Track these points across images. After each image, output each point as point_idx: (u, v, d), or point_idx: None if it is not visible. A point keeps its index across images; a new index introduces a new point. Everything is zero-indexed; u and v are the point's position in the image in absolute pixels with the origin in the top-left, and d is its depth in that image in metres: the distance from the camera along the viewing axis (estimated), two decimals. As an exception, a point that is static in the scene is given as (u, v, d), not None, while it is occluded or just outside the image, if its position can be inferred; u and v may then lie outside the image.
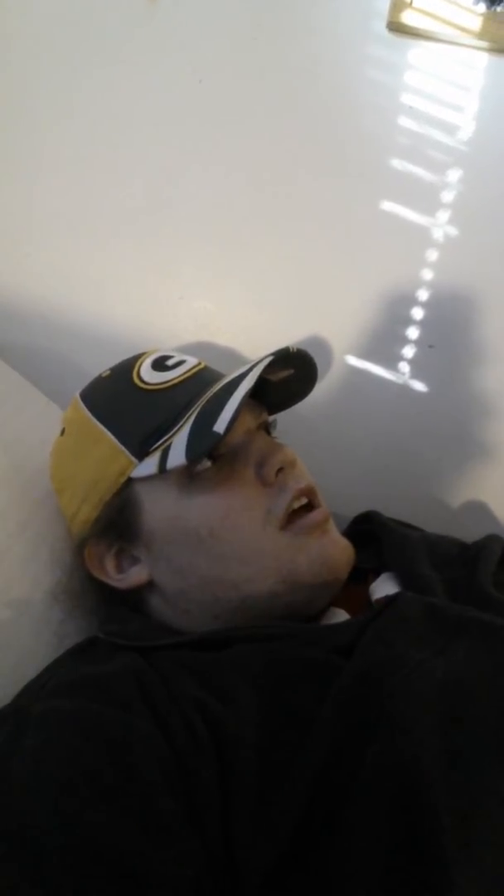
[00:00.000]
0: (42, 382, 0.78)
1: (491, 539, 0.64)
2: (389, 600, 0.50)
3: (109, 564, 0.57)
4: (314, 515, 0.54)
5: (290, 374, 0.59)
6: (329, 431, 0.85)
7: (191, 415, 0.52)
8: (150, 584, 0.56)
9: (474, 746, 0.41)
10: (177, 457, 0.50)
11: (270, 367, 0.54)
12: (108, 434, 0.55)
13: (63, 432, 0.61)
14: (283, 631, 0.50)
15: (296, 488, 0.54)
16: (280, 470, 0.55)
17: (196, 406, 0.52)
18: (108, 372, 0.60)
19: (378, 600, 0.55)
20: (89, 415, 0.57)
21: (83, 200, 0.83)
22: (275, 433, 0.61)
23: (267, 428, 0.60)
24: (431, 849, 0.36)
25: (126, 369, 0.58)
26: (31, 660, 0.54)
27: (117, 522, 0.55)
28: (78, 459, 0.58)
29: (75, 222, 0.83)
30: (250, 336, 0.83)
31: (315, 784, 0.39)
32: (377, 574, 0.59)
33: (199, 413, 0.51)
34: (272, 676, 0.45)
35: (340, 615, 0.56)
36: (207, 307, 0.83)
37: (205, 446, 0.49)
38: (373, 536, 0.63)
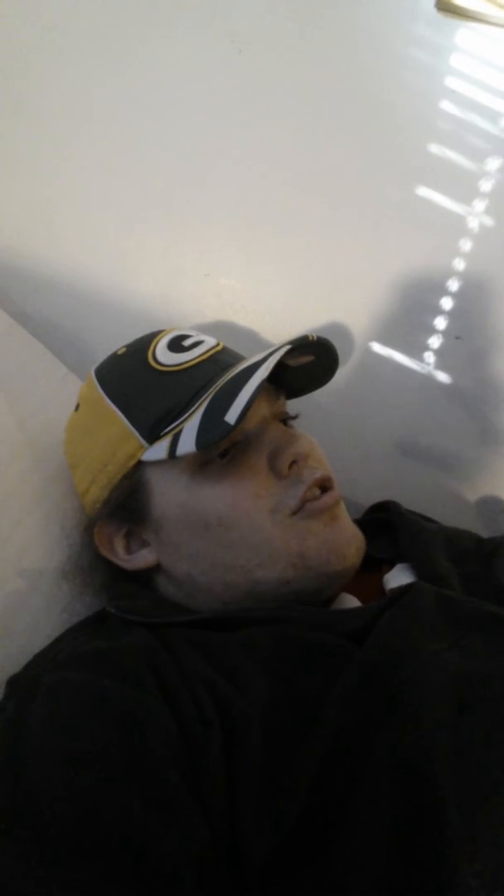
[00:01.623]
0: (64, 353, 0.78)
1: None
2: (404, 590, 0.50)
3: (119, 545, 0.57)
4: (324, 499, 0.53)
5: (311, 360, 0.58)
6: (349, 418, 0.84)
7: (203, 401, 0.51)
8: (158, 567, 0.56)
9: (485, 741, 0.40)
10: (187, 444, 0.49)
11: (290, 353, 0.53)
12: (120, 415, 0.55)
13: (77, 408, 0.60)
14: (294, 614, 0.49)
15: (311, 479, 0.53)
16: (294, 462, 0.54)
17: (209, 392, 0.51)
18: (124, 349, 0.59)
19: (392, 590, 0.55)
20: (102, 393, 0.57)
21: (113, 172, 0.82)
22: (293, 423, 0.60)
23: (284, 416, 0.59)
24: (436, 841, 0.36)
25: (141, 348, 0.57)
26: (42, 630, 0.54)
27: (128, 505, 0.55)
28: (90, 438, 0.57)
29: (103, 194, 0.82)
30: (275, 316, 0.82)
31: (321, 770, 0.38)
32: (392, 564, 0.58)
33: (211, 400, 0.50)
34: (282, 659, 0.45)
35: (351, 601, 0.55)
36: (233, 285, 0.82)
37: (215, 436, 0.48)
38: (389, 526, 0.63)
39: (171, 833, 0.35)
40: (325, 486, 0.54)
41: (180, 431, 0.51)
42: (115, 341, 0.61)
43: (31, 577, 0.57)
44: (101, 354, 0.61)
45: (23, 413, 0.68)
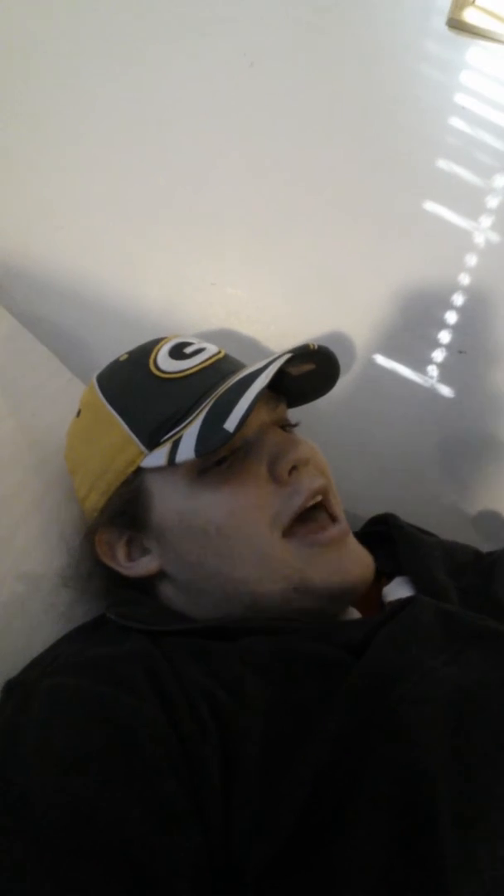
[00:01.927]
0: (69, 358, 0.78)
1: None
2: (404, 603, 0.50)
3: (120, 552, 0.57)
4: (333, 531, 0.53)
5: (312, 368, 0.58)
6: (351, 429, 0.84)
7: (203, 408, 0.51)
8: (160, 574, 0.56)
9: (482, 757, 0.40)
10: (186, 451, 0.49)
11: (291, 361, 0.53)
12: (120, 421, 0.54)
13: (79, 414, 0.60)
14: (294, 625, 0.49)
15: (309, 489, 0.52)
16: (294, 468, 0.53)
17: (209, 399, 0.51)
18: (126, 356, 0.59)
19: (391, 602, 0.55)
20: (103, 399, 0.56)
21: (120, 178, 0.82)
22: (296, 430, 0.60)
23: (284, 422, 0.59)
24: (432, 856, 0.36)
25: (143, 355, 0.57)
26: (40, 634, 0.54)
27: (128, 512, 0.55)
28: (90, 444, 0.57)
29: (111, 200, 0.83)
30: (280, 327, 0.83)
31: (318, 782, 0.38)
32: (391, 577, 0.58)
33: (211, 407, 0.50)
34: (281, 669, 0.44)
35: (352, 613, 0.55)
36: (239, 295, 0.83)
37: (214, 443, 0.48)
38: (388, 539, 0.63)
39: (166, 840, 0.35)
40: (324, 495, 0.54)
41: (180, 438, 0.51)
42: (121, 347, 0.61)
43: (30, 582, 0.57)
44: (106, 360, 0.61)
45: (27, 416, 0.68)
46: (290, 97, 0.78)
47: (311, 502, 0.53)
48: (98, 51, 0.80)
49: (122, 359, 0.59)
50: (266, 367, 0.50)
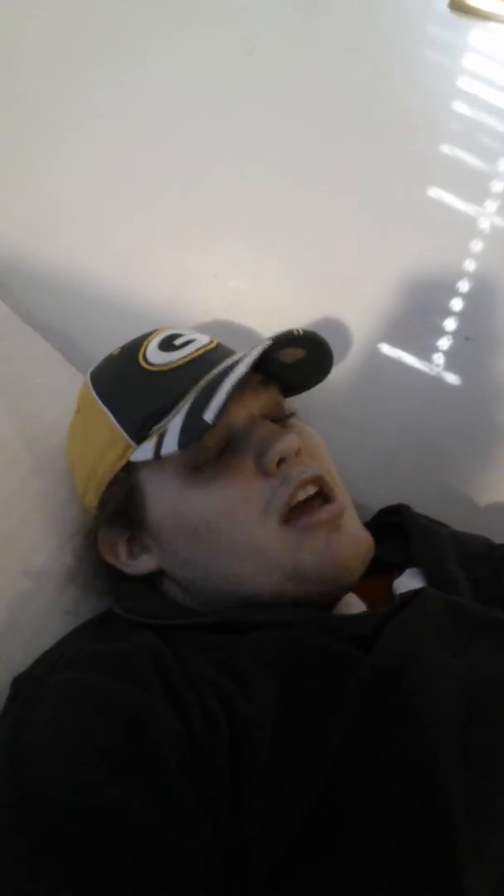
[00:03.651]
0: (72, 354, 0.78)
1: None
2: (412, 595, 0.50)
3: (122, 550, 0.57)
4: (323, 513, 0.51)
5: (304, 355, 0.57)
6: (357, 419, 0.84)
7: (187, 400, 0.51)
8: (160, 571, 0.56)
9: (493, 748, 0.40)
10: (171, 443, 0.49)
11: (282, 348, 0.52)
12: (110, 416, 0.55)
13: (77, 410, 0.61)
14: (300, 617, 0.49)
15: (299, 479, 0.51)
16: (281, 461, 0.52)
17: (194, 390, 0.51)
18: (118, 350, 0.59)
19: (401, 594, 0.54)
20: (94, 395, 0.57)
21: (121, 171, 0.81)
22: (297, 420, 0.59)
23: (277, 412, 0.57)
24: (443, 848, 0.36)
25: (133, 348, 0.57)
26: (47, 630, 0.54)
27: (125, 511, 0.55)
28: (86, 440, 0.58)
29: (111, 192, 0.82)
30: (283, 319, 0.82)
31: (330, 775, 0.38)
32: (402, 569, 0.58)
33: (194, 398, 0.50)
34: (290, 664, 0.44)
35: (356, 604, 0.54)
36: (241, 287, 0.82)
37: (195, 435, 0.48)
38: (400, 530, 0.62)
39: (177, 834, 0.35)
40: (319, 484, 0.52)
41: (165, 431, 0.50)
42: (124, 342, 0.61)
43: (36, 578, 0.57)
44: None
45: (30, 413, 0.68)
46: (292, 85, 0.77)
47: (304, 494, 0.52)
48: (95, 43, 0.80)
49: (114, 353, 0.59)
50: (245, 356, 0.50)
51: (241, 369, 0.48)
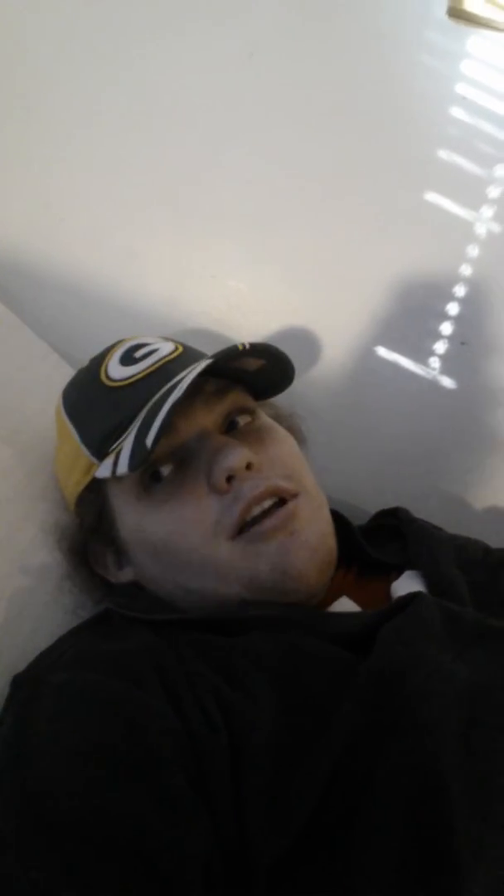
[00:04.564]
0: (70, 353, 0.78)
1: None
2: (407, 600, 0.50)
3: (110, 562, 0.58)
4: (271, 520, 0.50)
5: (263, 364, 0.55)
6: (352, 423, 0.84)
7: (138, 420, 0.51)
8: (137, 583, 0.57)
9: (493, 752, 0.41)
10: (123, 465, 0.49)
11: (243, 356, 0.51)
12: (74, 433, 0.55)
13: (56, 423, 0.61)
14: (294, 617, 0.49)
15: (249, 496, 0.49)
16: (230, 477, 0.50)
17: (144, 410, 0.51)
18: (88, 363, 0.60)
19: (398, 598, 0.55)
20: (63, 411, 0.58)
21: (120, 169, 0.81)
22: (263, 419, 0.57)
23: (231, 420, 0.55)
24: (444, 851, 0.36)
25: (98, 362, 0.57)
26: (46, 629, 0.54)
27: (98, 528, 0.56)
28: (59, 457, 0.59)
29: (111, 191, 0.82)
30: (282, 320, 0.82)
31: (330, 778, 0.38)
32: (401, 571, 0.58)
33: (142, 420, 0.50)
34: (287, 667, 0.45)
35: (350, 607, 0.54)
36: (240, 287, 0.82)
37: (138, 460, 0.48)
38: (398, 532, 0.63)
39: (176, 834, 0.35)
40: (277, 495, 0.51)
41: (121, 450, 0.51)
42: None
43: (34, 577, 0.57)
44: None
45: (27, 415, 0.68)
46: (290, 88, 0.77)
47: (258, 509, 0.50)
48: (95, 43, 0.80)
49: (83, 367, 0.60)
50: (186, 375, 0.49)
51: (176, 394, 0.48)
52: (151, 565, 0.54)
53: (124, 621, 0.51)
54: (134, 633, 0.48)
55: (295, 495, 0.51)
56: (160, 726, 0.40)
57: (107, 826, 0.35)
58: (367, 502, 0.71)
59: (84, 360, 0.77)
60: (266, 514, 0.50)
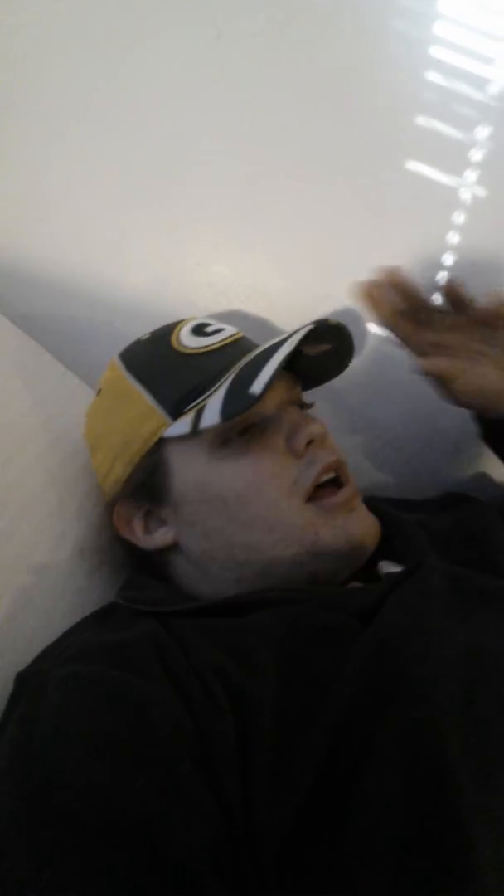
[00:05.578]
0: (62, 352, 0.78)
1: (476, 507, 0.66)
2: (413, 568, 0.50)
3: (137, 525, 0.59)
4: (340, 496, 0.55)
5: (327, 349, 0.60)
6: (346, 405, 0.84)
7: (227, 378, 0.53)
8: (175, 546, 0.58)
9: (494, 713, 0.41)
10: (211, 417, 0.51)
11: (306, 340, 0.54)
12: (144, 393, 0.56)
13: (99, 392, 0.62)
14: (302, 595, 0.50)
15: (324, 462, 0.55)
16: (310, 443, 0.55)
17: (233, 370, 0.54)
18: (148, 335, 0.61)
19: (404, 568, 0.55)
20: (126, 374, 0.58)
21: (96, 163, 0.80)
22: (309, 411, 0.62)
23: (301, 402, 0.61)
24: (449, 812, 0.36)
25: (165, 333, 0.59)
26: (49, 625, 0.55)
27: (147, 484, 0.57)
28: (113, 418, 0.59)
29: (88, 185, 0.81)
30: (270, 303, 0.82)
31: (333, 746, 0.39)
32: (377, 561, 0.59)
33: (235, 376, 0.52)
34: (291, 639, 0.45)
35: (390, 566, 0.57)
36: (225, 273, 0.82)
37: (240, 407, 0.50)
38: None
39: (185, 820, 0.36)
40: (338, 471, 0.56)
41: (204, 407, 0.52)
42: (112, 337, 0.62)
43: (37, 573, 0.58)
44: (99, 351, 0.61)
45: (22, 411, 0.68)
46: (261, 66, 0.76)
47: (325, 477, 0.55)
48: (62, 38, 0.78)
49: (143, 339, 0.62)
50: (287, 339, 0.53)
51: (287, 348, 0.51)
52: (210, 518, 0.55)
53: (129, 613, 0.52)
54: (137, 623, 0.49)
55: (349, 479, 0.57)
56: (164, 713, 0.40)
57: (112, 817, 0.35)
58: (373, 486, 0.70)
59: (78, 357, 0.78)
60: (326, 486, 0.55)
